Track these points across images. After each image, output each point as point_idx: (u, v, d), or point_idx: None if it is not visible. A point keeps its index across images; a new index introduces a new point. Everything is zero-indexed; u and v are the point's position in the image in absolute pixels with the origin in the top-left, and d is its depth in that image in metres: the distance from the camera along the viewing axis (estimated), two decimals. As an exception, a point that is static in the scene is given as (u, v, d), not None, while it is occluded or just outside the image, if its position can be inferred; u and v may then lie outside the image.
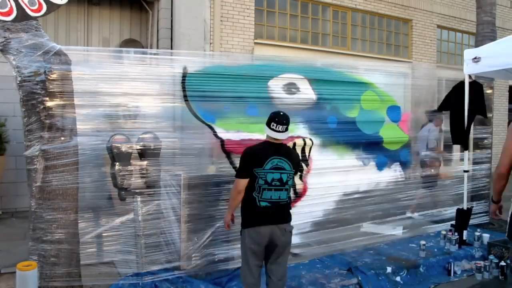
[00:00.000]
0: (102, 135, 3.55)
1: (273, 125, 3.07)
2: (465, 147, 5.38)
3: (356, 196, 4.94)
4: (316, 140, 4.68)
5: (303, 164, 4.56)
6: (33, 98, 3.17)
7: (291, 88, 4.54)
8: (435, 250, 4.78)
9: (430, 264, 4.45)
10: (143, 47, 7.37)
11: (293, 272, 4.02)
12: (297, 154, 3.46)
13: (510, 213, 3.08)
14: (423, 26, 10.28)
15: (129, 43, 7.36)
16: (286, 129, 3.11)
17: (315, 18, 8.86)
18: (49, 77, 3.19)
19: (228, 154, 4.26)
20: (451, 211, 5.49)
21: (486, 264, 4.37)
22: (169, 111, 3.90)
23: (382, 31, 9.83)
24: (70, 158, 3.29)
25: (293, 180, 3.29)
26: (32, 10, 3.15)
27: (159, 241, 3.81)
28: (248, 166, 3.06)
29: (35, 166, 3.22)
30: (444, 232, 5.03)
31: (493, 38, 6.14)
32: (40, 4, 3.18)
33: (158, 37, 7.29)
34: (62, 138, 3.26)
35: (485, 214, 5.93)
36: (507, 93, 11.96)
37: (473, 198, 5.78)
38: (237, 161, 3.72)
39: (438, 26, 10.63)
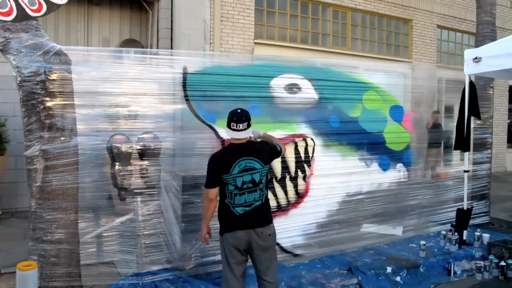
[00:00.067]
0: (102, 135, 3.55)
1: (233, 125, 2.94)
2: (465, 150, 5.38)
3: (359, 197, 4.92)
4: (318, 140, 4.66)
5: (305, 165, 4.54)
6: (33, 98, 3.17)
7: (292, 87, 4.53)
8: (435, 250, 4.78)
9: (430, 264, 4.45)
10: (143, 47, 7.37)
11: (293, 272, 4.03)
12: (266, 145, 3.21)
13: None
14: (423, 26, 10.29)
15: (129, 43, 7.36)
16: (248, 126, 2.97)
17: (315, 18, 8.86)
18: (49, 77, 3.18)
19: None
20: (451, 211, 5.49)
21: (486, 264, 4.38)
22: (169, 111, 3.89)
23: (382, 31, 9.84)
24: (70, 158, 3.29)
25: (267, 177, 3.09)
26: (32, 10, 3.15)
27: (159, 241, 3.80)
28: (214, 174, 2.95)
29: (35, 166, 3.22)
30: (444, 232, 5.02)
31: (493, 38, 6.13)
32: (40, 4, 3.18)
33: (158, 37, 7.30)
34: (62, 138, 3.26)
35: (485, 214, 5.93)
36: (507, 93, 11.98)
37: (473, 198, 5.78)
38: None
39: (438, 26, 10.64)
